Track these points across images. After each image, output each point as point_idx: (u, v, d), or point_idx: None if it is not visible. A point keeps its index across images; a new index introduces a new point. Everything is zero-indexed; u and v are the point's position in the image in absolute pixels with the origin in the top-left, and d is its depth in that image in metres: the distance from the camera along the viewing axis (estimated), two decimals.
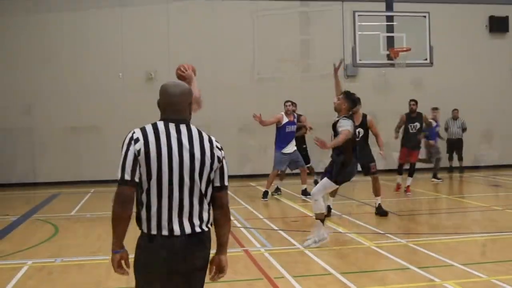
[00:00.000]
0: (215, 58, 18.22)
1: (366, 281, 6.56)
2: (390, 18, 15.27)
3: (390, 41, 14.99)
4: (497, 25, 19.73)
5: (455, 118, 17.62)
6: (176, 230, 3.45)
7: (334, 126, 8.52)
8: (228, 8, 18.39)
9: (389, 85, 18.53)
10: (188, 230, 3.47)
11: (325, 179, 8.48)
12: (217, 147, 3.67)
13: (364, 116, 11.26)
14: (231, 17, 18.44)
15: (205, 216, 3.56)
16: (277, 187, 13.92)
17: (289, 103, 13.47)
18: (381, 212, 10.62)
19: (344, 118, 8.44)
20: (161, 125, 3.55)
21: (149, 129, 3.53)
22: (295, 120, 13.52)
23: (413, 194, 13.31)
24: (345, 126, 8.31)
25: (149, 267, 3.45)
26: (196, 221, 3.51)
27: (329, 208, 10.84)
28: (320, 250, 8.09)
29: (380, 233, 9.04)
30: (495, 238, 8.66)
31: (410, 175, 13.72)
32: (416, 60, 15.19)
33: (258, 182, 16.67)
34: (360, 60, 14.65)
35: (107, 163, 17.00)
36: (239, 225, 10.07)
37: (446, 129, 18.09)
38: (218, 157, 3.63)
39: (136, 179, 3.43)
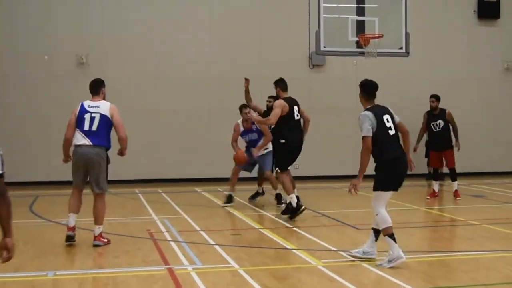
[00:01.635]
0: (156, 45, 18.06)
1: None
2: (360, 0, 15.27)
3: (360, 26, 14.96)
4: (487, 10, 19.83)
5: None
6: None
7: None
8: None
9: (361, 77, 18.43)
10: None
11: (375, 193, 8.13)
12: None
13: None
14: None
15: None
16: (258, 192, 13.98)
17: (247, 110, 13.18)
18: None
19: (362, 114, 8.11)
20: None
21: None
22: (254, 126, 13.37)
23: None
24: (363, 130, 7.99)
25: None
26: None
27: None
28: (257, 269, 7.96)
29: (332, 250, 8.96)
30: (465, 258, 8.63)
31: (454, 179, 14.38)
32: (390, 49, 15.19)
33: (205, 187, 16.56)
34: (324, 47, 14.60)
35: (25, 156, 16.74)
36: (169, 238, 9.91)
37: None
38: None
39: None
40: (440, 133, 14.32)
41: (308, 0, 17.68)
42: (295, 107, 11.92)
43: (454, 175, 14.39)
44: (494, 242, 9.60)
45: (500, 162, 19.75)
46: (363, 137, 7.97)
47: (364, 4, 15.13)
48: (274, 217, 11.78)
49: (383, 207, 8.08)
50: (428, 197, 14.40)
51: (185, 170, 18.07)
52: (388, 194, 8.16)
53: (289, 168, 11.88)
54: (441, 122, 14.32)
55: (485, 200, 14.40)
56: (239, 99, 18.11)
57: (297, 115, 11.90)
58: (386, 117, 8.13)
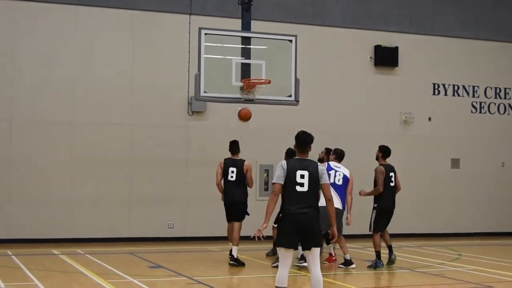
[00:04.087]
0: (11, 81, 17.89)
1: None
2: (246, 41, 15.55)
3: (245, 70, 15.23)
4: (384, 57, 20.73)
5: None
6: None
7: None
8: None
9: (246, 126, 18.77)
10: None
11: None
12: None
13: None
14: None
15: None
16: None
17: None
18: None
19: (280, 162, 8.98)
20: None
21: None
22: None
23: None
24: (274, 176, 8.91)
25: None
26: None
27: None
28: None
29: None
30: None
31: (328, 242, 14.32)
32: (278, 97, 15.52)
33: (64, 249, 16.27)
34: (205, 92, 14.76)
35: None
36: None
37: None
38: None
39: None
40: None
41: (189, 37, 17.98)
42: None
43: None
44: None
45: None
46: (273, 183, 8.85)
47: (250, 45, 15.42)
48: (144, 285, 11.68)
49: (283, 265, 8.63)
50: (326, 262, 14.63)
51: (41, 229, 17.70)
52: (283, 251, 8.68)
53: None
54: None
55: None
56: (106, 148, 18.26)
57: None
58: (300, 172, 8.75)
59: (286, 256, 8.67)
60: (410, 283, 12.69)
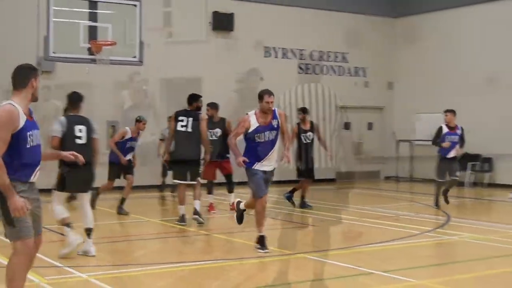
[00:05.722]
0: None
1: None
2: (93, 5, 15.95)
3: (92, 33, 15.69)
4: (221, 22, 21.55)
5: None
6: None
7: None
8: None
9: (94, 85, 19.11)
10: None
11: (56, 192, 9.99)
12: None
13: None
14: None
15: None
16: None
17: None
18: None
19: (59, 118, 9.88)
20: None
21: None
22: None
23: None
24: (52, 130, 9.71)
25: None
26: None
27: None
28: None
29: (57, 266, 9.22)
30: (193, 268, 9.63)
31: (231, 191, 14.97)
32: (123, 57, 16.08)
33: None
34: (54, 52, 15.14)
35: None
36: None
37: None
38: None
39: None
40: (217, 142, 14.52)
41: (37, 1, 18.02)
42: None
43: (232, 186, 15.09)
44: (221, 251, 10.88)
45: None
46: (52, 136, 9.70)
47: (97, 9, 15.84)
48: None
49: (59, 203, 9.97)
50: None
51: None
52: (61, 193, 9.98)
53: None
54: (218, 131, 14.64)
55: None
56: None
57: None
58: (79, 127, 9.74)
59: (61, 196, 10.00)
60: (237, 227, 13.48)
